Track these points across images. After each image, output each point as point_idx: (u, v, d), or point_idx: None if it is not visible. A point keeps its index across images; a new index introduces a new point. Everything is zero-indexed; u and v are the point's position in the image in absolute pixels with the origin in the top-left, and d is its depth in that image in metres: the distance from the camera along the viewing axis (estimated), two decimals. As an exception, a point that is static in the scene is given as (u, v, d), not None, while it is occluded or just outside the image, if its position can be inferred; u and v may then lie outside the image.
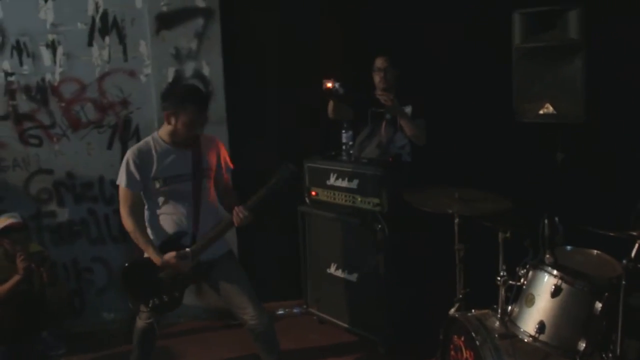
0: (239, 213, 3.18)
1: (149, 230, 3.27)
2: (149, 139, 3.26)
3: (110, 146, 4.35)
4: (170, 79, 4.29)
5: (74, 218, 4.37)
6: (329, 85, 3.86)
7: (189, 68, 4.31)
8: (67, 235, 4.38)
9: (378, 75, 4.15)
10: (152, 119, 4.32)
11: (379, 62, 4.15)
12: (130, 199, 3.19)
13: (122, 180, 3.18)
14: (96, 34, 4.22)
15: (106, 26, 4.22)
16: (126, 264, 3.27)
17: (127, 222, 3.18)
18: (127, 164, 3.16)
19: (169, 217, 3.25)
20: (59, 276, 4.24)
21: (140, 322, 3.38)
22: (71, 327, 4.33)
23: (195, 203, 3.25)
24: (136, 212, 3.22)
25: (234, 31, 4.39)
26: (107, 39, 4.24)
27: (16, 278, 3.82)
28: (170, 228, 3.25)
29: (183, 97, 3.15)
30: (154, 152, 3.19)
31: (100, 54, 4.25)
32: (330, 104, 4.07)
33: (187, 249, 3.19)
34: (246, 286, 3.35)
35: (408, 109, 4.08)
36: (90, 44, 4.23)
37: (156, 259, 3.16)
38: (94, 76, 4.26)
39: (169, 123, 3.17)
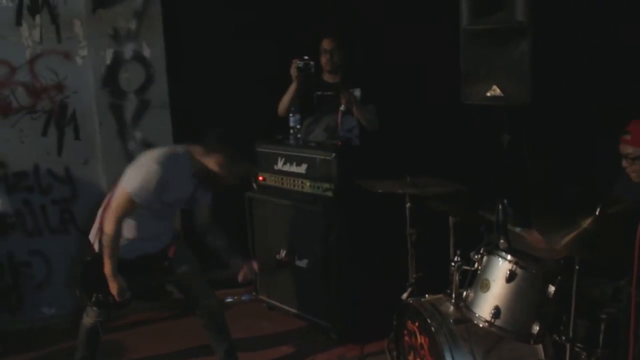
0: None
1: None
2: (186, 158, 3.08)
3: (45, 132, 4.10)
4: (108, 61, 4.07)
5: (7, 210, 4.10)
6: (299, 63, 3.84)
7: (128, 49, 4.09)
8: (0, 228, 4.11)
9: (324, 57, 4.10)
10: (89, 103, 4.10)
11: (326, 44, 4.09)
12: (131, 209, 2.99)
13: (134, 189, 2.94)
14: (25, 12, 3.93)
15: (36, 4, 3.92)
16: (88, 258, 3.13)
17: (113, 228, 2.98)
18: (151, 179, 2.92)
19: (146, 227, 3.17)
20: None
21: (88, 319, 3.28)
22: (7, 324, 4.10)
23: (173, 220, 3.33)
24: (123, 222, 3.06)
25: (176, 10, 4.21)
26: (37, 17, 3.95)
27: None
28: (145, 238, 3.17)
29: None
30: (182, 176, 3.05)
31: (31, 34, 3.97)
32: (293, 86, 3.98)
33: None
34: (199, 269, 3.39)
35: (357, 92, 4.05)
36: (18, 23, 3.93)
37: (110, 273, 3.02)
38: (24, 58, 3.97)
39: (207, 157, 3.07)
